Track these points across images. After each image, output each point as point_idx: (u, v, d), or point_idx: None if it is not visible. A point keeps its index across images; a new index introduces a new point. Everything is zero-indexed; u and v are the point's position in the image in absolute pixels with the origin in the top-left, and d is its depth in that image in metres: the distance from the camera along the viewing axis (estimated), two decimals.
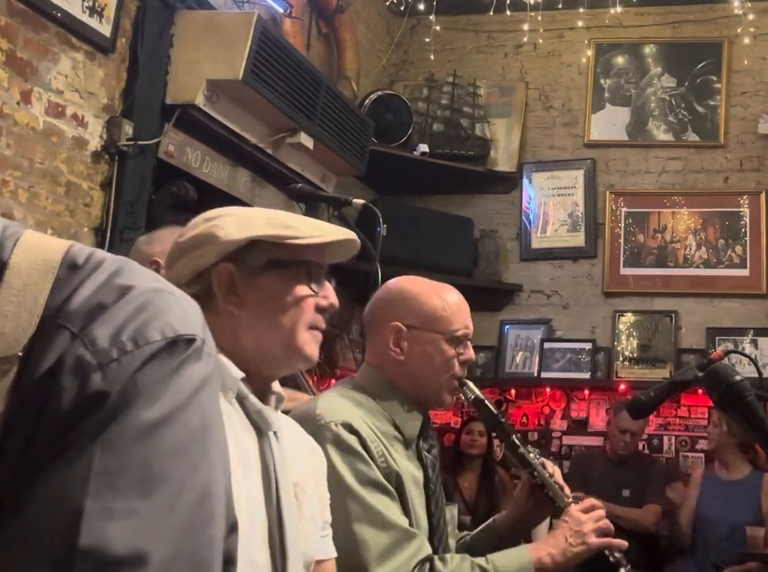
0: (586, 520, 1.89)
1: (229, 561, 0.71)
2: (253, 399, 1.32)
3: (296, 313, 1.34)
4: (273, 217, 1.34)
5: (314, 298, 1.36)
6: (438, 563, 1.75)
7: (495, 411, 1.98)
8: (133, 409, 0.62)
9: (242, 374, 1.30)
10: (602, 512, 1.93)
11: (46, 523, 0.59)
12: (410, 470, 1.83)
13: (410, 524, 1.77)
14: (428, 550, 1.76)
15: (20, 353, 0.63)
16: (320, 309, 1.37)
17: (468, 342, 1.94)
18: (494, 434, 4.73)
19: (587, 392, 5.50)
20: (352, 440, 1.70)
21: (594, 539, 1.87)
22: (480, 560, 1.81)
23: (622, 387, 5.31)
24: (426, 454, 1.90)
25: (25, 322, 0.64)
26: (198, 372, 0.66)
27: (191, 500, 0.64)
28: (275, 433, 1.35)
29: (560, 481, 1.97)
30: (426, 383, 1.88)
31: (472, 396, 1.93)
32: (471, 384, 1.94)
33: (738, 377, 1.58)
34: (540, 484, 1.93)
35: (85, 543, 0.58)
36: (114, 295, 0.65)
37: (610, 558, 1.90)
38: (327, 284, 1.38)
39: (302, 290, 1.35)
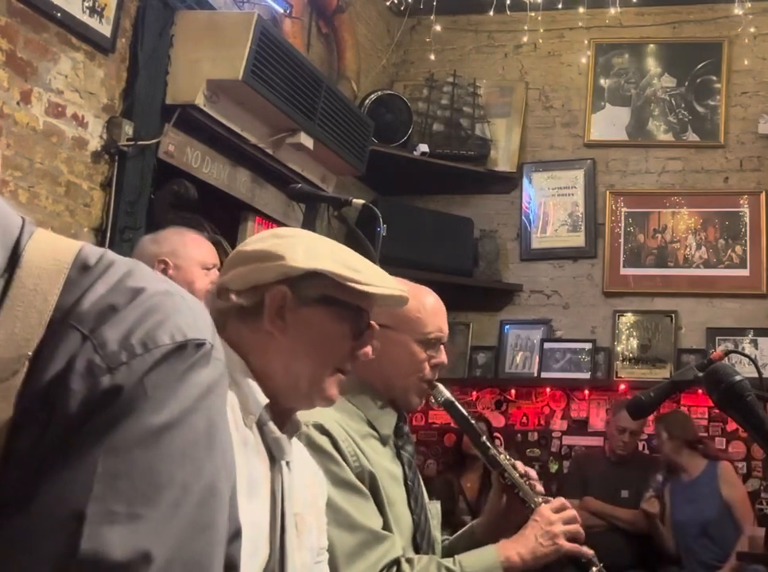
0: (556, 520, 1.87)
1: (232, 567, 0.71)
2: (272, 426, 1.33)
3: (332, 352, 1.35)
4: (340, 254, 1.35)
5: (352, 342, 1.37)
6: (405, 565, 1.74)
7: (465, 413, 1.98)
8: (140, 413, 0.62)
9: (266, 400, 1.31)
10: (572, 513, 1.92)
11: (49, 525, 0.59)
12: (388, 468, 1.83)
13: (386, 522, 1.77)
14: (397, 552, 1.75)
15: (30, 354, 0.63)
16: (352, 355, 1.39)
17: (441, 346, 1.93)
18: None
19: (587, 392, 5.50)
20: (323, 441, 1.70)
21: (565, 542, 1.86)
22: (447, 561, 1.80)
23: (622, 387, 5.31)
24: (402, 451, 1.90)
25: (35, 322, 0.64)
26: (206, 377, 0.66)
27: (193, 505, 0.64)
28: (287, 462, 1.36)
29: (534, 480, 1.96)
30: (395, 383, 1.88)
31: (442, 399, 1.93)
32: (441, 386, 1.94)
33: (738, 377, 1.58)
34: (510, 484, 1.93)
35: (86, 547, 0.58)
36: (124, 297, 0.66)
37: (582, 559, 1.89)
38: (367, 331, 1.40)
39: (345, 333, 1.36)
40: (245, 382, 1.31)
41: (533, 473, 1.99)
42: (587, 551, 1.90)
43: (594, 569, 1.88)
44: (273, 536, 1.30)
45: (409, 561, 1.76)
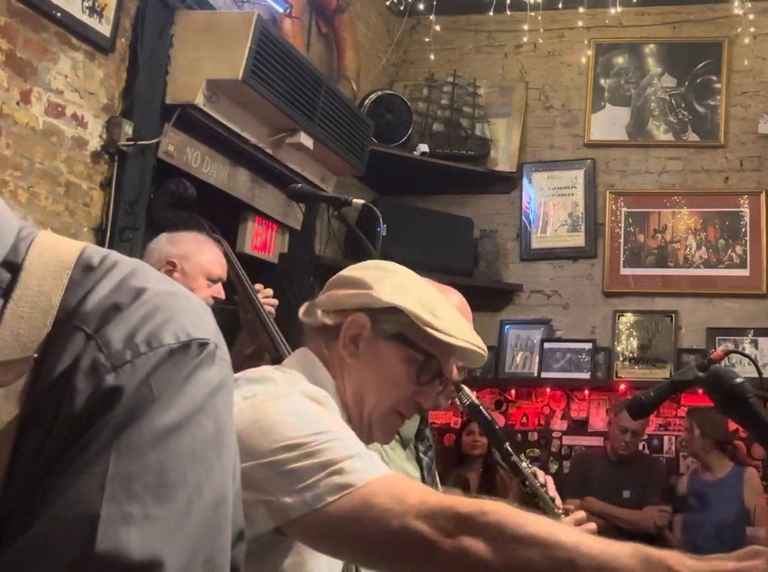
0: None
1: (235, 569, 0.71)
2: None
3: (394, 392, 1.36)
4: (428, 297, 1.38)
5: (416, 388, 1.37)
6: None
7: (489, 418, 1.98)
8: (149, 413, 0.62)
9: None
10: (593, 526, 1.88)
11: (63, 528, 0.59)
12: (407, 471, 1.82)
13: None
14: None
15: (35, 355, 0.63)
16: (414, 401, 1.39)
17: None
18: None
19: (587, 392, 5.50)
20: None
21: None
22: None
23: (622, 387, 5.31)
24: (422, 455, 1.90)
25: (39, 323, 0.64)
26: (212, 376, 0.66)
27: (206, 505, 0.64)
28: None
29: (552, 491, 1.96)
30: None
31: (467, 402, 1.93)
32: (466, 389, 1.94)
33: (738, 380, 1.57)
34: (531, 493, 1.93)
35: (102, 548, 0.58)
36: (128, 296, 0.66)
37: None
38: (435, 384, 1.39)
39: (410, 376, 1.36)
40: (335, 403, 1.34)
41: (551, 482, 1.98)
42: None
43: None
44: None
45: None
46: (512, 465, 1.94)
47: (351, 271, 1.42)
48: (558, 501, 1.95)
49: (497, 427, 1.99)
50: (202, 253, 2.66)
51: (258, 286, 2.85)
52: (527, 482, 1.93)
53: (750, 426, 1.59)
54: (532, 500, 1.93)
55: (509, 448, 1.95)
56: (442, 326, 1.33)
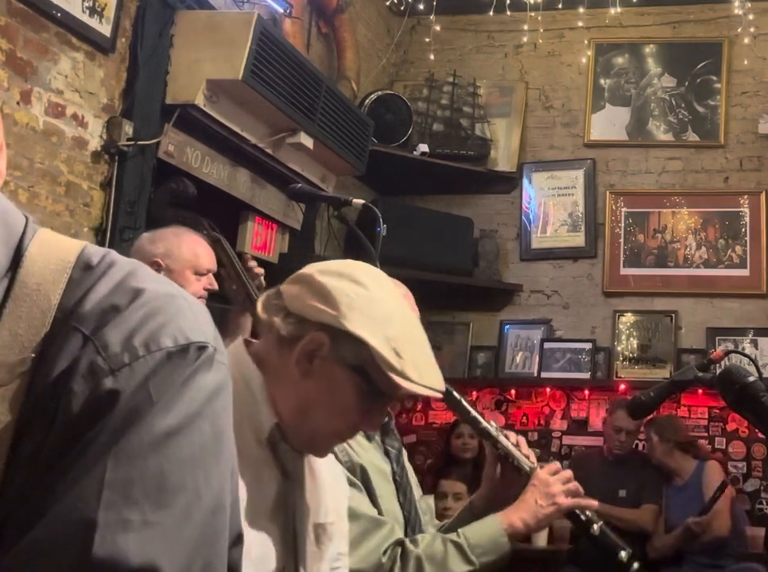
0: (554, 482, 1.89)
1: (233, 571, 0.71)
2: (283, 444, 1.31)
3: (339, 419, 1.31)
4: (397, 331, 1.27)
5: (363, 417, 1.32)
6: (409, 545, 1.77)
7: (452, 390, 1.97)
8: (147, 417, 0.62)
9: (275, 420, 1.29)
10: (569, 474, 1.93)
11: (61, 534, 0.59)
12: (375, 463, 1.84)
13: (380, 514, 1.78)
14: (398, 534, 1.77)
15: (33, 355, 0.63)
16: (356, 428, 1.36)
17: None
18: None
19: (587, 392, 5.50)
20: None
21: (564, 500, 1.88)
22: (452, 535, 1.82)
23: (622, 387, 5.31)
24: (389, 448, 1.92)
25: (38, 323, 0.64)
26: (210, 380, 0.66)
27: (205, 510, 0.63)
28: (301, 477, 1.35)
29: (526, 449, 1.97)
30: None
31: None
32: None
33: (751, 378, 1.57)
34: (504, 454, 1.94)
35: (99, 554, 0.58)
36: (126, 297, 0.65)
37: (582, 517, 1.89)
38: (380, 415, 1.36)
39: (361, 407, 1.30)
40: (261, 397, 1.29)
41: (523, 441, 2.00)
42: (589, 503, 1.90)
43: (594, 526, 1.88)
44: (285, 550, 1.29)
45: (413, 541, 1.79)
46: (482, 432, 1.96)
47: (326, 278, 1.29)
48: (533, 458, 1.97)
49: (459, 398, 1.98)
50: (184, 246, 2.63)
51: (252, 263, 2.89)
52: (499, 445, 1.94)
53: (763, 424, 1.59)
54: (506, 461, 1.94)
55: (477, 416, 1.96)
56: (403, 368, 1.24)
